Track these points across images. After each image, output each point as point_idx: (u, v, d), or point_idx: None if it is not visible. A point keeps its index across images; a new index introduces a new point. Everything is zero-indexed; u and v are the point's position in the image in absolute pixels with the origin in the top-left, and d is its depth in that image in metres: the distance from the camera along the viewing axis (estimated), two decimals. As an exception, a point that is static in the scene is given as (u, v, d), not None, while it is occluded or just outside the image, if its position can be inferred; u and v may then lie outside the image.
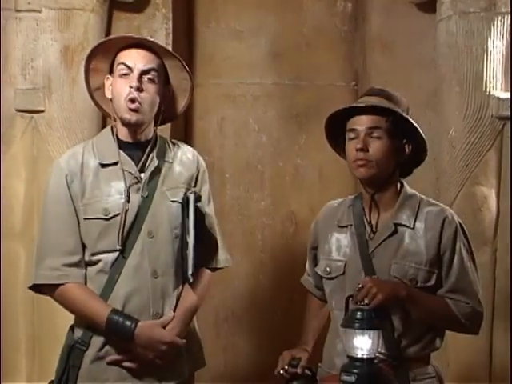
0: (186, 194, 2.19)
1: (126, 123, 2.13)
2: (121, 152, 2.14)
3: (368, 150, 2.02)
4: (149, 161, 2.16)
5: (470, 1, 2.94)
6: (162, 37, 3.26)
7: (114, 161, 2.13)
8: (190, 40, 3.71)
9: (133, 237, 2.10)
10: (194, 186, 2.25)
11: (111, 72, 2.17)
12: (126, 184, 2.11)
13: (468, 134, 2.96)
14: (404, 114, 2.03)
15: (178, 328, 2.13)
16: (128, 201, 2.10)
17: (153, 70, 2.12)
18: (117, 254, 2.09)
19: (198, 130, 3.72)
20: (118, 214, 2.09)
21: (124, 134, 2.16)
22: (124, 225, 2.08)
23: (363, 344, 1.83)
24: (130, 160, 2.15)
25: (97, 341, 2.09)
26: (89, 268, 2.12)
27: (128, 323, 2.04)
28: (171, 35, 3.29)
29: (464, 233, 2.08)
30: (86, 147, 2.18)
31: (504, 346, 2.92)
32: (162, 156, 2.20)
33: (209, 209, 2.30)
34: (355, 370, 1.83)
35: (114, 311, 2.05)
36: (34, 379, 3.05)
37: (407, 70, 3.26)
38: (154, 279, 2.11)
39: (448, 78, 3.01)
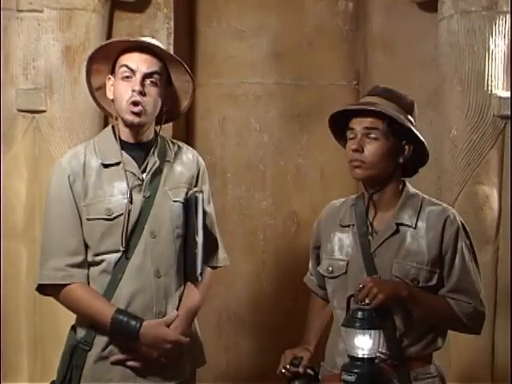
0: (193, 193, 2.19)
1: (128, 124, 2.13)
2: (123, 152, 2.14)
3: (363, 151, 2.02)
4: (150, 161, 2.16)
5: (472, 0, 2.94)
6: (164, 37, 3.26)
7: (117, 161, 2.13)
8: (192, 40, 3.72)
9: (135, 237, 2.11)
10: (195, 186, 2.26)
11: (112, 72, 2.17)
12: (128, 184, 2.11)
13: (470, 133, 2.96)
14: (401, 117, 2.01)
15: (182, 327, 2.13)
16: (131, 201, 2.10)
17: (155, 73, 2.12)
18: (120, 254, 2.09)
19: (199, 130, 3.72)
20: (121, 214, 2.09)
21: (126, 134, 2.16)
22: (127, 225, 2.08)
23: (364, 344, 1.84)
24: (132, 160, 2.15)
25: (100, 341, 2.10)
26: (91, 268, 2.12)
27: (133, 323, 2.04)
28: (173, 35, 3.29)
29: (466, 232, 2.08)
30: (87, 147, 2.18)
31: (506, 345, 2.91)
32: (162, 156, 2.21)
33: (209, 208, 2.31)
34: (356, 370, 1.83)
35: (119, 311, 2.06)
36: (35, 379, 3.05)
37: (408, 69, 3.25)
38: (156, 279, 2.12)
39: (449, 77, 3.01)
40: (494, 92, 2.94)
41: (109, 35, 3.20)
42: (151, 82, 2.11)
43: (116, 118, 2.18)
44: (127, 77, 2.10)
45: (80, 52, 3.01)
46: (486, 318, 2.10)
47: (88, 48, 2.95)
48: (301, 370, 2.09)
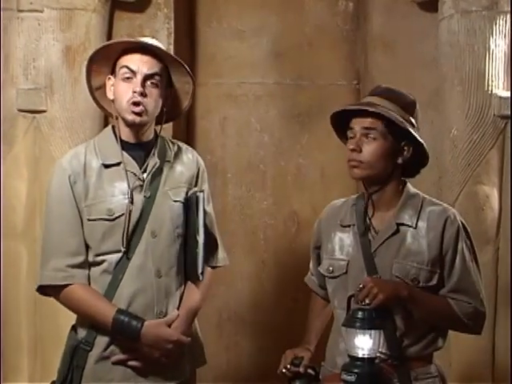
0: (194, 193, 2.20)
1: (129, 124, 2.13)
2: (123, 153, 2.14)
3: (361, 151, 2.03)
4: (151, 161, 2.17)
5: (472, 0, 2.94)
6: (164, 37, 3.26)
7: (117, 161, 2.14)
8: (192, 40, 3.72)
9: (136, 237, 2.11)
10: (195, 186, 2.26)
11: (112, 72, 2.17)
12: (129, 185, 2.11)
13: (470, 132, 2.96)
14: (399, 118, 2.01)
15: (183, 326, 2.14)
16: (132, 201, 2.10)
17: (156, 74, 2.12)
18: (121, 254, 2.10)
19: (199, 130, 3.72)
20: (122, 214, 2.09)
21: (126, 134, 2.16)
22: (128, 225, 2.08)
23: (364, 344, 1.84)
24: (132, 160, 2.15)
25: (101, 341, 2.10)
26: (92, 268, 2.12)
27: (134, 323, 2.05)
28: (173, 35, 3.29)
29: (466, 232, 2.07)
30: (87, 147, 2.18)
31: (507, 345, 2.91)
32: (162, 156, 2.21)
33: (209, 208, 2.31)
34: (356, 370, 1.83)
35: (120, 311, 2.06)
36: (36, 379, 3.05)
37: (409, 69, 3.25)
38: (157, 279, 2.12)
39: (450, 77, 3.01)
40: (494, 92, 2.94)
41: (109, 35, 3.20)
42: (152, 83, 2.11)
43: (116, 118, 2.18)
44: (128, 78, 2.11)
45: (80, 52, 3.01)
46: (486, 318, 2.10)
47: (88, 48, 2.95)
48: (301, 369, 2.09)
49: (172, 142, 2.30)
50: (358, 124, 2.05)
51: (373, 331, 1.84)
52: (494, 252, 2.98)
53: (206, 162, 2.37)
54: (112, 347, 2.10)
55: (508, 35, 2.93)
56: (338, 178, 3.57)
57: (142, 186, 2.14)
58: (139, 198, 2.12)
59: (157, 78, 2.12)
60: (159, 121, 2.22)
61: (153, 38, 2.36)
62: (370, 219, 2.10)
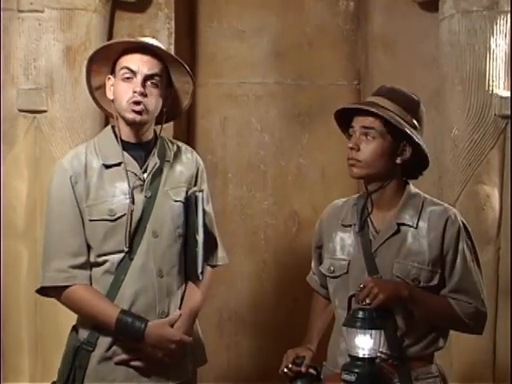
0: (193, 192, 2.20)
1: (129, 123, 2.13)
2: (124, 153, 2.14)
3: (359, 150, 2.03)
4: (151, 161, 2.17)
5: (473, -1, 2.95)
6: (165, 37, 3.26)
7: (118, 161, 2.13)
8: (192, 40, 3.72)
9: (138, 237, 2.11)
10: (194, 185, 2.26)
11: (112, 72, 2.17)
12: (129, 185, 2.11)
13: (471, 132, 2.96)
14: (397, 119, 2.01)
15: (185, 326, 2.14)
16: (133, 201, 2.10)
17: (156, 74, 2.12)
18: (122, 254, 2.10)
19: (200, 130, 3.72)
20: (124, 214, 2.09)
21: (126, 134, 2.16)
22: (130, 226, 2.08)
23: (365, 344, 1.84)
24: (133, 160, 2.15)
25: (103, 341, 2.10)
26: (94, 269, 2.12)
27: (138, 323, 2.05)
28: (173, 35, 3.29)
29: (467, 233, 2.07)
30: (88, 148, 2.18)
31: (507, 345, 2.91)
32: (162, 156, 2.21)
33: (208, 207, 2.31)
34: (356, 370, 1.83)
35: (123, 312, 2.06)
36: (36, 379, 3.05)
37: (409, 68, 3.25)
38: (159, 278, 2.12)
39: (450, 77, 3.01)
40: (495, 92, 2.94)
41: (109, 35, 3.20)
42: (152, 83, 2.11)
43: (116, 118, 2.18)
44: (128, 78, 2.11)
45: (81, 52, 3.00)
46: (487, 318, 2.10)
47: (89, 48, 2.95)
48: (303, 369, 2.08)
49: (171, 142, 2.30)
50: (357, 123, 2.06)
51: (373, 331, 1.84)
52: (495, 252, 2.98)
53: (206, 162, 2.38)
54: (114, 347, 2.10)
55: (508, 35, 2.93)
56: (338, 177, 3.56)
57: (142, 186, 2.14)
58: (140, 198, 2.13)
59: (157, 78, 2.12)
60: (159, 121, 2.22)
61: (153, 38, 2.36)
62: (370, 219, 2.10)
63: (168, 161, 2.22)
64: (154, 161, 2.17)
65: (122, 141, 2.15)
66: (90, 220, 2.10)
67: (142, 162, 2.16)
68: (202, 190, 2.23)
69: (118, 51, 2.14)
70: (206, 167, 2.36)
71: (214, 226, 2.33)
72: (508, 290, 2.94)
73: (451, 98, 3.01)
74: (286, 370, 2.10)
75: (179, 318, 2.13)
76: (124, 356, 2.09)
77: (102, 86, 2.21)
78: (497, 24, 2.92)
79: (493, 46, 2.92)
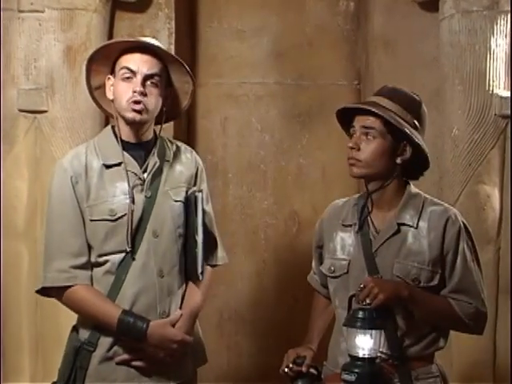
0: (193, 192, 2.20)
1: (129, 122, 2.13)
2: (124, 153, 2.14)
3: (359, 149, 2.03)
4: (151, 161, 2.17)
5: (473, -1, 2.95)
6: (165, 37, 3.26)
7: (118, 161, 2.14)
8: (193, 40, 3.72)
9: (138, 237, 2.11)
10: (194, 185, 2.26)
11: (112, 72, 2.17)
12: (130, 184, 2.11)
13: (471, 132, 2.96)
14: (396, 119, 2.01)
15: (186, 326, 2.15)
16: (133, 201, 2.10)
17: (156, 74, 2.12)
18: (123, 254, 2.10)
19: (200, 130, 3.73)
20: (124, 214, 2.09)
21: (126, 134, 2.16)
22: (131, 225, 2.08)
23: (365, 343, 1.84)
24: (133, 160, 2.15)
25: (105, 341, 2.10)
26: (95, 269, 2.12)
27: (140, 324, 2.05)
28: (174, 35, 3.29)
29: (468, 233, 2.07)
30: (88, 148, 2.18)
31: (508, 345, 2.91)
32: (162, 156, 2.21)
33: (208, 207, 2.31)
34: (356, 370, 1.83)
35: (125, 312, 2.06)
36: (37, 379, 3.05)
37: (410, 68, 3.25)
38: (160, 278, 2.12)
39: (451, 77, 3.01)
40: (495, 91, 2.94)
41: (110, 35, 3.21)
42: (152, 82, 2.11)
43: (116, 118, 2.18)
44: (128, 78, 2.11)
45: (81, 52, 3.00)
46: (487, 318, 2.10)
47: (89, 48, 2.94)
48: (304, 369, 2.08)
49: (171, 142, 2.30)
50: (358, 123, 2.06)
51: (373, 331, 1.84)
52: (495, 252, 2.98)
53: (206, 162, 2.38)
54: (116, 348, 2.10)
55: (509, 35, 2.93)
56: (338, 177, 3.57)
57: (142, 185, 2.14)
58: (140, 198, 2.13)
59: (156, 78, 2.12)
60: (159, 121, 2.22)
61: (153, 38, 2.36)
62: (370, 218, 2.10)
63: (168, 160, 2.22)
64: (153, 160, 2.17)
65: (121, 141, 2.15)
66: (91, 220, 2.10)
67: (142, 161, 2.16)
68: (201, 190, 2.24)
69: (117, 51, 2.14)
70: (207, 167, 2.36)
71: (213, 226, 2.33)
72: (508, 290, 2.94)
73: (451, 97, 3.01)
74: (286, 369, 2.09)
75: (180, 317, 2.14)
76: (125, 356, 2.10)
77: (102, 86, 2.21)
78: (497, 24, 2.92)
79: (493, 45, 2.92)
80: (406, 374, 1.99)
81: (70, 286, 2.08)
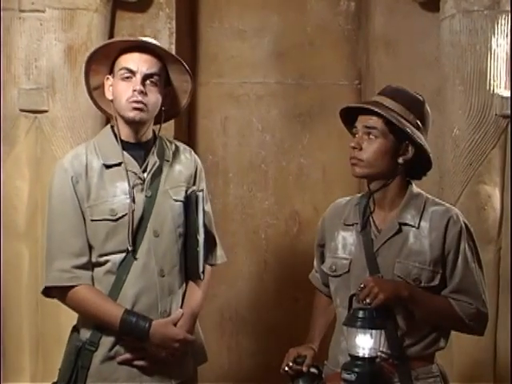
0: (194, 192, 2.21)
1: (129, 122, 2.13)
2: (124, 152, 2.14)
3: (361, 149, 2.03)
4: (150, 161, 2.17)
5: (474, -1, 2.94)
6: (166, 36, 3.27)
7: (118, 161, 2.14)
8: (194, 40, 3.72)
9: (139, 237, 2.12)
10: (193, 184, 2.27)
11: (111, 72, 2.17)
12: (130, 184, 2.11)
13: (472, 132, 2.96)
14: (398, 118, 2.01)
15: (188, 325, 2.15)
16: (133, 201, 2.10)
17: (155, 74, 2.12)
18: (124, 254, 2.10)
19: (201, 130, 3.73)
20: (125, 214, 2.09)
21: (126, 134, 2.17)
22: (132, 225, 2.09)
23: (365, 343, 1.84)
24: (133, 160, 2.16)
25: (106, 341, 2.10)
26: (96, 269, 2.13)
27: (142, 323, 2.06)
28: (174, 35, 3.29)
29: (469, 233, 2.07)
30: (88, 148, 2.18)
31: (508, 345, 2.91)
32: (161, 155, 2.21)
33: (207, 207, 2.31)
34: (356, 369, 1.84)
35: (127, 311, 2.06)
36: (37, 379, 3.05)
37: (411, 68, 3.26)
38: (161, 278, 2.13)
39: (451, 77, 3.01)
40: (496, 91, 2.94)
41: (111, 35, 3.21)
42: (151, 82, 2.12)
43: (116, 119, 2.18)
44: (127, 77, 2.11)
45: (82, 52, 3.00)
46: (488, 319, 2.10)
47: (90, 48, 2.93)
48: (304, 368, 2.08)
49: (170, 142, 2.31)
50: (360, 122, 2.06)
51: (373, 331, 1.84)
52: (496, 252, 2.98)
53: (207, 162, 2.38)
54: (117, 347, 2.10)
55: (510, 35, 2.93)
56: (339, 177, 3.57)
57: (142, 185, 2.14)
58: (140, 198, 2.13)
59: (156, 77, 2.13)
60: (158, 120, 2.22)
61: (154, 37, 2.36)
62: (372, 218, 2.10)
63: (167, 160, 2.22)
64: (153, 160, 2.17)
65: (121, 141, 2.15)
66: (92, 220, 2.10)
67: (142, 161, 2.16)
68: (202, 190, 2.25)
69: (116, 50, 2.15)
70: (207, 167, 2.37)
71: (212, 225, 2.34)
72: (508, 290, 2.94)
73: (452, 97, 3.01)
74: (286, 368, 2.10)
75: (181, 316, 2.14)
76: (127, 355, 2.10)
77: (100, 86, 2.21)
78: (498, 24, 2.92)
79: (494, 45, 2.92)
80: (406, 374, 1.99)
81: (71, 286, 2.08)
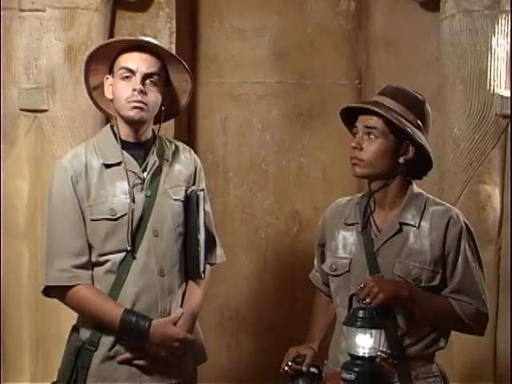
0: (195, 192, 2.21)
1: (129, 121, 2.13)
2: (124, 152, 2.14)
3: (362, 149, 2.03)
4: (150, 160, 2.17)
5: (474, -1, 2.94)
6: (166, 36, 3.27)
7: (118, 161, 2.14)
8: (194, 39, 3.72)
9: (139, 236, 2.12)
10: (193, 184, 2.27)
11: (110, 71, 2.17)
12: (129, 184, 2.11)
13: (472, 132, 2.96)
14: (398, 118, 2.01)
15: (188, 324, 2.16)
16: (133, 200, 2.10)
17: (155, 73, 2.12)
18: (124, 253, 2.10)
19: (201, 129, 3.73)
20: (125, 214, 2.09)
21: (125, 133, 2.16)
22: (132, 225, 2.09)
23: (365, 343, 1.84)
24: (132, 160, 2.16)
25: (106, 341, 2.10)
26: (96, 269, 2.12)
27: (142, 322, 2.06)
28: (175, 34, 3.29)
29: (470, 233, 2.07)
30: (87, 147, 2.18)
31: (508, 345, 2.91)
32: (161, 155, 2.21)
33: (207, 206, 2.31)
34: (356, 369, 1.83)
35: (127, 311, 2.06)
36: (37, 379, 3.05)
37: (411, 68, 3.26)
38: (161, 277, 2.13)
39: (452, 77, 3.01)
40: (496, 91, 2.94)
41: (111, 34, 3.21)
42: (151, 81, 2.11)
43: (115, 118, 2.18)
44: (127, 77, 2.11)
45: (82, 51, 3.00)
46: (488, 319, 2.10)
47: (90, 47, 2.93)
48: (304, 368, 2.08)
49: (169, 141, 2.31)
50: (361, 122, 2.06)
51: (373, 330, 1.84)
52: (496, 252, 2.98)
53: (207, 162, 2.38)
54: (117, 347, 2.10)
55: (510, 34, 2.93)
56: (339, 177, 3.57)
57: (142, 184, 2.14)
58: (140, 197, 2.13)
59: (155, 76, 2.12)
60: (157, 120, 2.22)
61: (154, 37, 2.36)
62: (373, 218, 2.10)
63: (167, 160, 2.22)
64: (153, 160, 2.17)
65: (121, 140, 2.15)
66: (91, 220, 2.10)
67: (142, 161, 2.16)
68: (203, 189, 2.25)
69: (116, 50, 2.14)
70: (207, 166, 2.37)
71: (212, 225, 2.34)
72: (509, 290, 2.94)
73: (452, 97, 3.01)
74: (286, 367, 2.10)
75: (181, 316, 2.14)
76: (127, 355, 2.10)
77: (100, 86, 2.21)
78: (498, 23, 2.92)
79: (494, 45, 2.92)
80: (405, 374, 1.99)
81: (71, 286, 2.08)
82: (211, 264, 2.33)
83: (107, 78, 2.17)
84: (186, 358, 2.18)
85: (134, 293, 2.10)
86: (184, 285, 2.21)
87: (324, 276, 2.25)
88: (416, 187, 2.12)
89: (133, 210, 2.09)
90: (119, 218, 2.09)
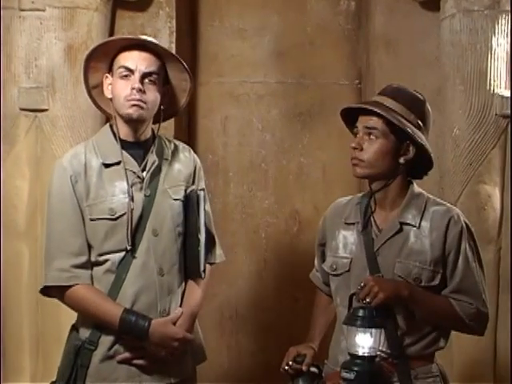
0: (194, 191, 2.21)
1: (128, 119, 2.13)
2: (123, 151, 2.14)
3: (362, 150, 2.03)
4: (149, 160, 2.17)
5: (474, -1, 2.94)
6: (166, 36, 3.27)
7: (117, 160, 2.14)
8: (194, 39, 3.72)
9: (138, 236, 2.12)
10: (192, 184, 2.27)
11: (110, 70, 2.17)
12: (129, 183, 2.11)
13: (472, 132, 2.96)
14: (398, 118, 2.00)
15: (187, 324, 2.16)
16: (132, 200, 2.10)
17: (154, 72, 2.12)
18: (123, 253, 2.10)
19: (201, 129, 3.73)
20: (124, 213, 2.09)
21: (125, 133, 2.16)
22: (131, 224, 2.09)
23: (364, 342, 1.84)
24: (132, 159, 2.16)
25: (106, 340, 2.10)
26: (95, 268, 2.13)
27: (141, 322, 2.06)
28: (175, 34, 3.29)
29: (470, 233, 2.07)
30: (87, 147, 2.18)
31: (508, 344, 2.91)
32: (160, 154, 2.21)
33: (207, 206, 2.31)
34: (355, 368, 1.84)
35: (127, 311, 2.07)
36: (37, 379, 3.05)
37: (411, 68, 3.26)
38: (160, 277, 2.13)
39: (452, 77, 3.01)
40: (496, 91, 2.94)
41: (111, 34, 3.21)
42: (150, 80, 2.12)
43: (115, 117, 2.18)
44: (126, 76, 2.11)
45: (82, 51, 2.99)
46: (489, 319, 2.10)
47: (90, 47, 2.92)
48: (304, 367, 2.08)
49: (168, 141, 2.31)
50: (361, 123, 2.06)
51: (373, 330, 1.84)
52: (496, 252, 2.98)
53: (207, 161, 2.38)
54: (117, 346, 2.10)
55: (510, 34, 2.93)
56: (339, 177, 3.57)
57: (141, 184, 2.14)
58: (140, 197, 2.13)
59: (154, 75, 2.13)
60: (157, 119, 2.22)
61: (154, 37, 2.36)
62: (373, 217, 2.10)
63: (166, 159, 2.22)
64: (152, 159, 2.17)
65: (120, 140, 2.15)
66: (91, 219, 2.10)
67: (141, 160, 2.16)
68: (203, 189, 2.25)
69: (115, 48, 2.15)
70: (207, 166, 2.37)
71: (211, 225, 2.34)
72: (509, 290, 2.94)
73: (452, 97, 3.01)
74: (286, 367, 2.10)
75: (181, 315, 2.14)
76: (127, 354, 2.10)
77: (100, 85, 2.21)
78: (498, 23, 2.92)
79: (494, 45, 2.92)
80: (405, 373, 1.99)
81: (71, 286, 2.08)
82: (211, 263, 2.33)
83: (106, 76, 2.17)
84: (185, 357, 2.19)
85: (133, 292, 2.10)
86: (183, 284, 2.21)
87: (324, 275, 2.25)
88: (416, 187, 2.12)
89: (132, 210, 2.09)
90: (118, 217, 2.09)
